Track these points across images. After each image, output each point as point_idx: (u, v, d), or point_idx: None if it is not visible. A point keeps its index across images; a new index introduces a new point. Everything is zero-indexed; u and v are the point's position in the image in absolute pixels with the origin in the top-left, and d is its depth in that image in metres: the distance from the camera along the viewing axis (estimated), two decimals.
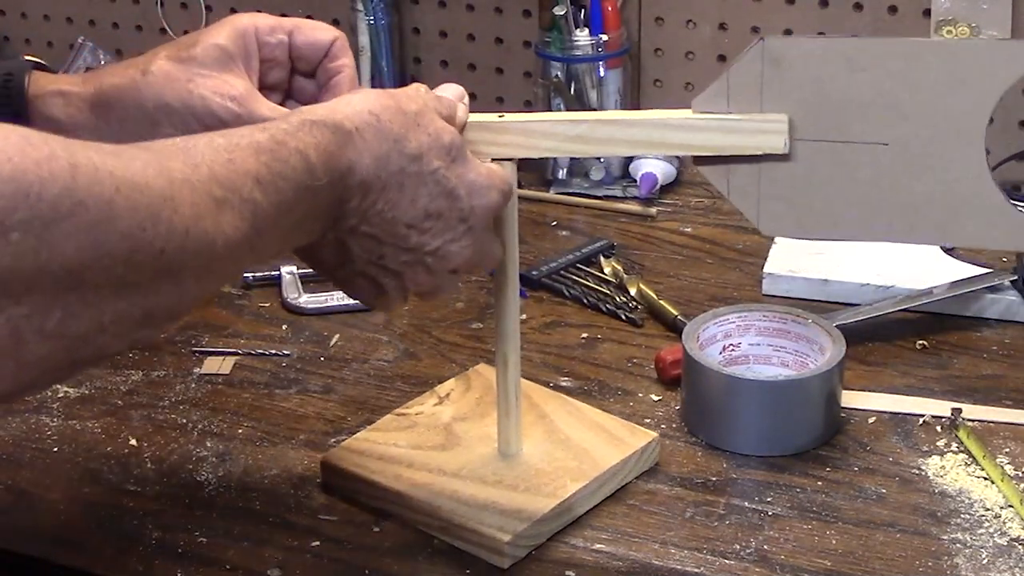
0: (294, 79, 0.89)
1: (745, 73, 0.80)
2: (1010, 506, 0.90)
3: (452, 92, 0.83)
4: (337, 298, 1.19)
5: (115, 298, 0.59)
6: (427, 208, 0.76)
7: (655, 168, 1.41)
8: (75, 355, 0.60)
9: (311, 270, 1.18)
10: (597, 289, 1.22)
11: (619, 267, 1.25)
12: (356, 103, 0.75)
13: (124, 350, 0.64)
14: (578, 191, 1.43)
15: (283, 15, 1.74)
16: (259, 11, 1.75)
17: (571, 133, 0.83)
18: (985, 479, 0.94)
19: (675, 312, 1.15)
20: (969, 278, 1.15)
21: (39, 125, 0.83)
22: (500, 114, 0.85)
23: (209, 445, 1.00)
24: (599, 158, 1.42)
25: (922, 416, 1.01)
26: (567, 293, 1.21)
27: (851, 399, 1.02)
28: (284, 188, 0.67)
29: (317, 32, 0.88)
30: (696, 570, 0.86)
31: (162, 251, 0.60)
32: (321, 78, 0.88)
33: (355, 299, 0.82)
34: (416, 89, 0.79)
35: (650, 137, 0.83)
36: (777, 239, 1.25)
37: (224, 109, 0.81)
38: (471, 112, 0.84)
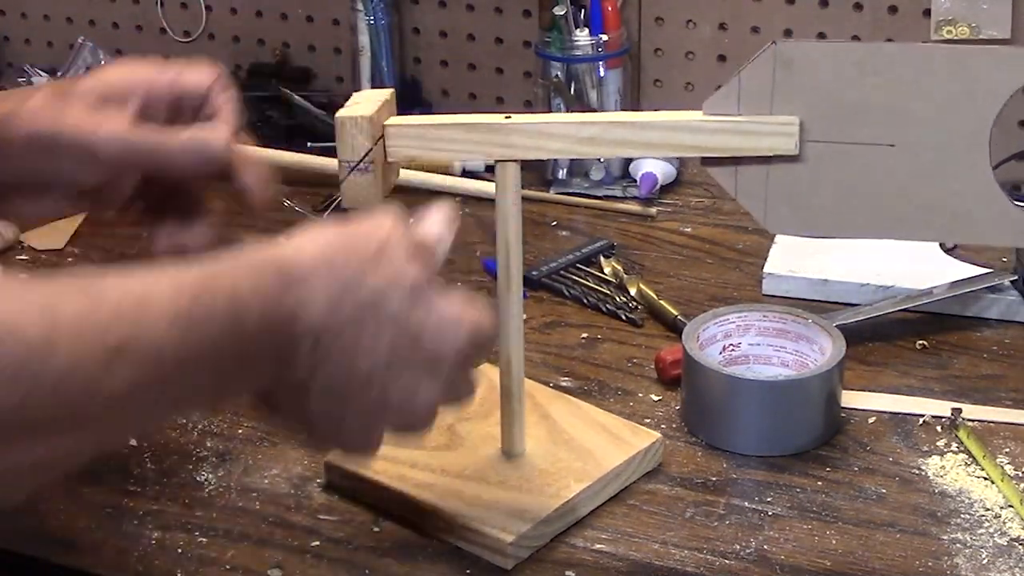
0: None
1: (756, 76, 0.81)
2: (1010, 506, 0.90)
3: (436, 225, 0.76)
4: None
5: None
6: (388, 355, 0.68)
7: (655, 168, 1.41)
8: None
9: None
10: (597, 289, 1.22)
11: (619, 267, 1.25)
12: (307, 245, 0.68)
13: None
14: (578, 191, 1.43)
15: (283, 16, 1.75)
16: (259, 12, 1.75)
17: (582, 135, 0.84)
18: (985, 479, 0.94)
19: (675, 312, 1.15)
20: (969, 278, 1.15)
21: None
22: (506, 115, 0.85)
23: (209, 445, 1.00)
24: (599, 158, 1.42)
25: (922, 416, 1.01)
26: (567, 293, 1.21)
27: (851, 399, 1.02)
28: (203, 335, 0.61)
29: (200, 75, 0.84)
30: (696, 570, 0.86)
31: (20, 405, 0.54)
32: (203, 116, 0.84)
33: (323, 447, 0.76)
34: (382, 220, 0.71)
35: (663, 139, 0.84)
36: (777, 239, 1.25)
37: (90, 139, 0.78)
38: (475, 114, 0.84)
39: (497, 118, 0.84)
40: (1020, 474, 0.94)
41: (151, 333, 0.59)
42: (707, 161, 0.84)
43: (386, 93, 0.86)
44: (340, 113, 0.83)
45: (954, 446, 0.98)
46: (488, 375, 1.03)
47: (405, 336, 0.69)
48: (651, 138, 0.84)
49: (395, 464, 0.93)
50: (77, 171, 0.80)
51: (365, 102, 0.85)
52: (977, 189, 0.81)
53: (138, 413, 0.62)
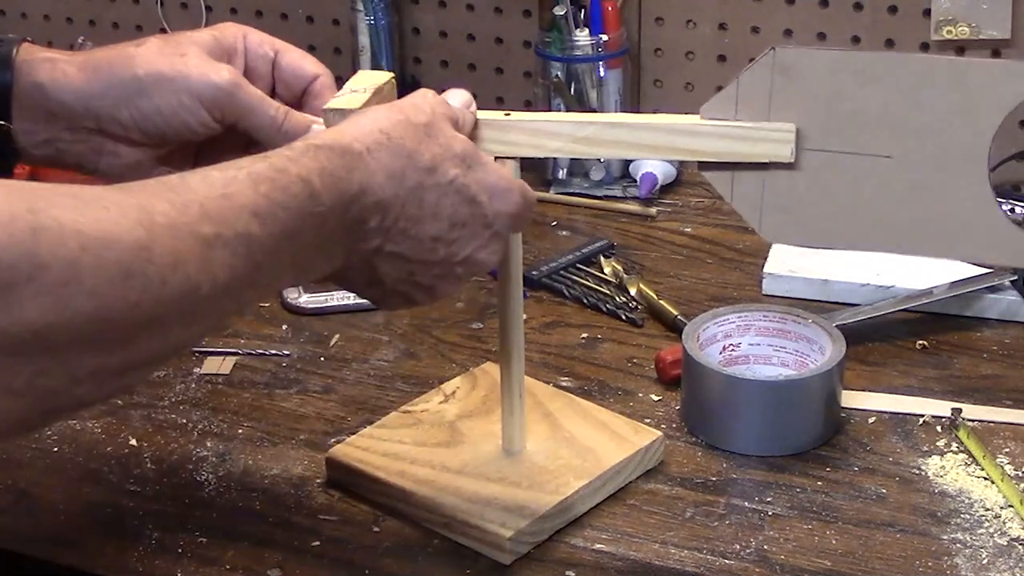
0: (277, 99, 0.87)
1: (755, 81, 0.81)
2: (1010, 506, 0.90)
3: (459, 99, 0.81)
4: (337, 298, 1.19)
5: (89, 353, 0.58)
6: (451, 218, 0.74)
7: (655, 168, 1.41)
8: (46, 407, 0.59)
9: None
10: (597, 289, 1.22)
11: (619, 267, 1.25)
12: (364, 124, 0.74)
13: (108, 398, 0.63)
14: (578, 191, 1.43)
15: (283, 16, 1.75)
16: (259, 12, 1.75)
17: (579, 134, 0.84)
18: (985, 479, 0.94)
19: (675, 312, 1.15)
20: (969, 278, 1.15)
21: (22, 87, 0.82)
22: (506, 112, 0.85)
23: (209, 445, 1.00)
24: (599, 158, 1.42)
25: (922, 416, 1.01)
26: (567, 293, 1.21)
27: (851, 399, 1.02)
28: (285, 218, 0.66)
29: (302, 61, 0.86)
30: (696, 570, 0.86)
31: (136, 304, 0.58)
32: (303, 110, 0.86)
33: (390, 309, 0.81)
34: (424, 97, 0.78)
35: (658, 142, 0.84)
36: None
37: (215, 82, 0.80)
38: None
39: (496, 115, 0.84)
40: (1020, 474, 0.94)
41: (236, 226, 0.63)
42: (704, 165, 0.84)
43: (384, 78, 0.85)
44: (328, 104, 0.82)
45: (954, 446, 0.98)
46: (490, 373, 1.04)
47: (464, 202, 0.75)
48: (647, 140, 0.84)
49: (396, 460, 0.93)
50: (185, 114, 0.81)
51: (358, 92, 0.83)
52: (974, 206, 0.80)
53: (232, 301, 0.65)
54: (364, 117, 0.75)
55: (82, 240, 0.57)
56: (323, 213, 0.68)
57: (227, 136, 0.85)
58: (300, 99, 0.86)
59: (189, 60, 0.81)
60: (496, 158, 0.84)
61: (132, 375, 0.62)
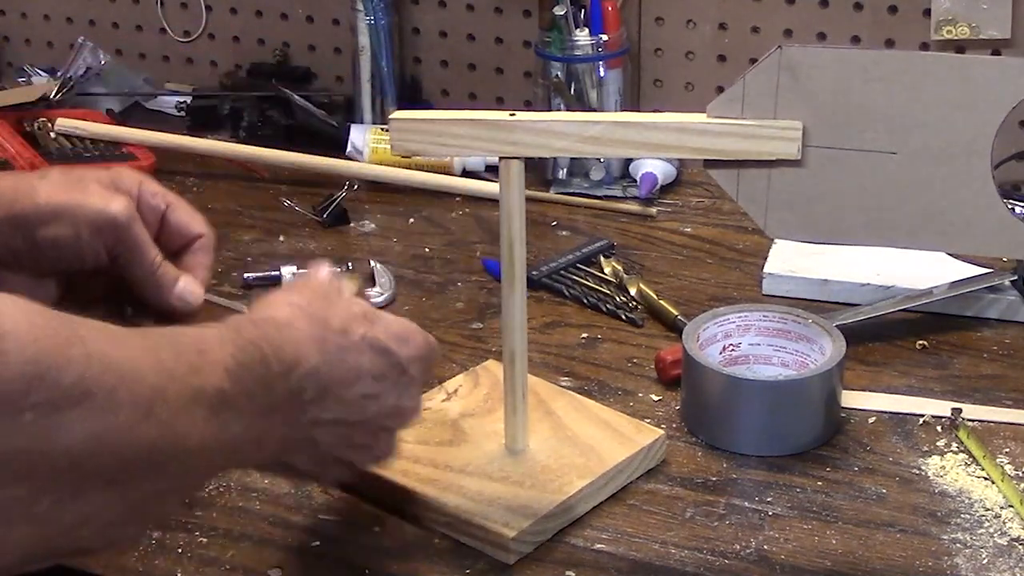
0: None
1: (761, 80, 0.81)
2: (1010, 506, 0.90)
3: (326, 271, 0.83)
4: None
5: (103, 489, 0.59)
6: (372, 373, 0.77)
7: (655, 168, 1.41)
8: (52, 545, 0.59)
9: None
10: (597, 289, 1.22)
11: (619, 267, 1.25)
12: (276, 299, 0.77)
13: (99, 550, 0.64)
14: (578, 191, 1.43)
15: (283, 16, 1.75)
16: (259, 12, 1.75)
17: (587, 134, 0.84)
18: (985, 479, 0.94)
19: (675, 312, 1.15)
20: (969, 278, 1.15)
21: None
22: (511, 112, 0.85)
23: None
24: (599, 158, 1.42)
25: (922, 416, 1.01)
26: (567, 293, 1.21)
27: (851, 399, 1.02)
28: (247, 378, 0.68)
29: (190, 220, 0.86)
30: (696, 570, 0.86)
31: (151, 445, 0.60)
32: (179, 262, 0.86)
33: (330, 486, 0.87)
34: (313, 275, 0.82)
35: (666, 140, 0.84)
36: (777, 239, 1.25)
37: (112, 213, 0.80)
38: (475, 111, 0.85)
39: (502, 115, 0.84)
40: (1020, 474, 0.94)
41: (215, 379, 0.65)
42: (709, 163, 0.84)
43: None
44: None
45: (954, 446, 0.98)
46: (493, 371, 1.04)
47: (377, 352, 0.78)
48: (655, 139, 0.84)
49: (400, 459, 0.93)
50: (81, 245, 0.80)
51: None
52: (978, 199, 0.80)
53: (209, 460, 0.67)
54: (272, 295, 0.78)
55: (121, 372, 0.58)
56: (272, 378, 0.70)
57: (98, 275, 0.84)
58: (178, 255, 0.86)
59: (89, 190, 0.81)
60: (501, 158, 0.84)
61: (128, 524, 0.63)
